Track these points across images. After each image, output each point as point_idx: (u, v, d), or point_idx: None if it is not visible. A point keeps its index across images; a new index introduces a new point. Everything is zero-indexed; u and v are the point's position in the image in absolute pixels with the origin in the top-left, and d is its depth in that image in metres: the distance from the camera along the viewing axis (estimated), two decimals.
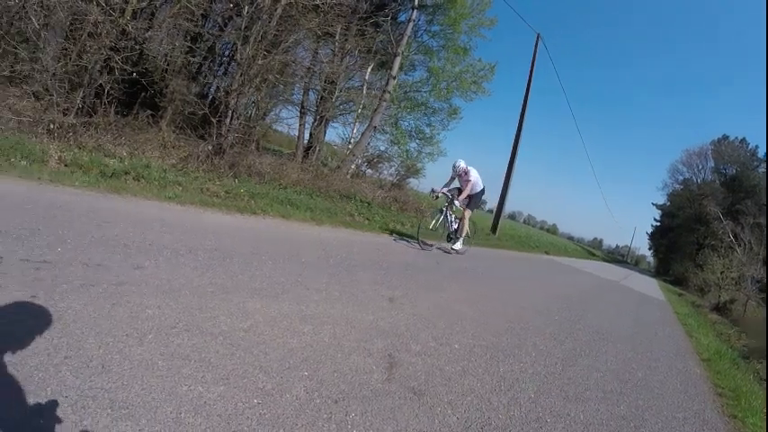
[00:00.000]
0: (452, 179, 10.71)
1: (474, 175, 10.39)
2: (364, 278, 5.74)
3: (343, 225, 9.83)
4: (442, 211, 10.51)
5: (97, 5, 8.13)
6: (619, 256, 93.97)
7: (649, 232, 70.91)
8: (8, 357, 2.14)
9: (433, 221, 10.45)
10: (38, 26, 7.91)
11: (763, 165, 52.47)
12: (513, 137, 22.85)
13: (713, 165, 58.09)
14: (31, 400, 1.94)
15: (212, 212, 7.15)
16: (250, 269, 4.65)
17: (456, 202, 10.46)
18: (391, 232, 11.08)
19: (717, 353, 8.15)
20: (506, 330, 5.26)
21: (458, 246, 10.72)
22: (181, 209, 6.74)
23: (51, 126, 7.42)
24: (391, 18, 16.98)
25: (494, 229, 21.45)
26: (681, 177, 61.89)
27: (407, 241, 10.43)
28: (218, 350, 2.81)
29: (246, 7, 10.61)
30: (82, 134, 7.86)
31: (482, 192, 10.91)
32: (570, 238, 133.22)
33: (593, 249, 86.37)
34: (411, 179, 19.92)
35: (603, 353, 5.64)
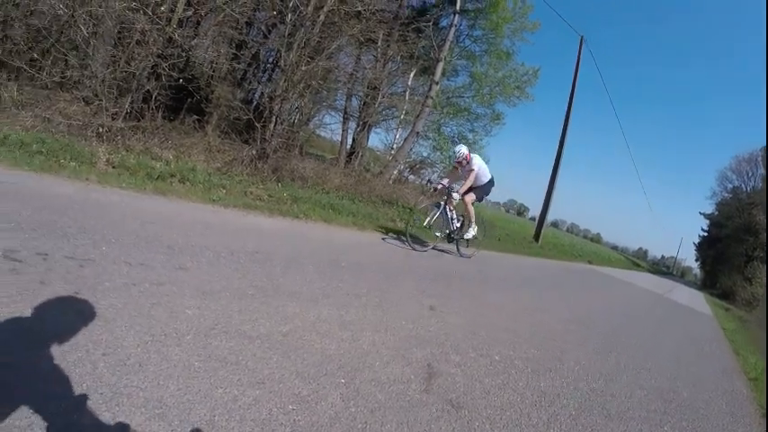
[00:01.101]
0: (455, 169, 9.35)
1: (478, 162, 8.84)
2: (405, 285, 5.63)
3: (385, 231, 9.71)
4: (439, 206, 8.87)
5: (144, 14, 8.35)
6: (664, 268, 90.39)
7: (696, 243, 67.52)
8: (48, 352, 2.17)
9: (428, 218, 8.80)
10: (87, 34, 8.14)
11: None
12: (558, 140, 22.28)
13: (763, 172, 54.96)
14: (68, 395, 1.96)
15: (255, 215, 7.16)
16: (291, 273, 4.60)
17: (454, 195, 8.77)
18: (387, 231, 9.70)
19: (765, 372, 7.68)
20: (548, 343, 5.05)
21: (470, 234, 9.30)
22: (224, 211, 6.77)
23: (100, 129, 7.59)
24: (433, 23, 16.80)
25: (536, 237, 20.93)
26: (730, 185, 58.49)
27: (402, 240, 9.04)
28: (256, 353, 2.77)
29: (290, 15, 10.68)
30: (130, 137, 8.05)
31: (490, 183, 9.29)
32: (614, 248, 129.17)
33: (638, 260, 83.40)
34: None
35: (647, 369, 5.36)
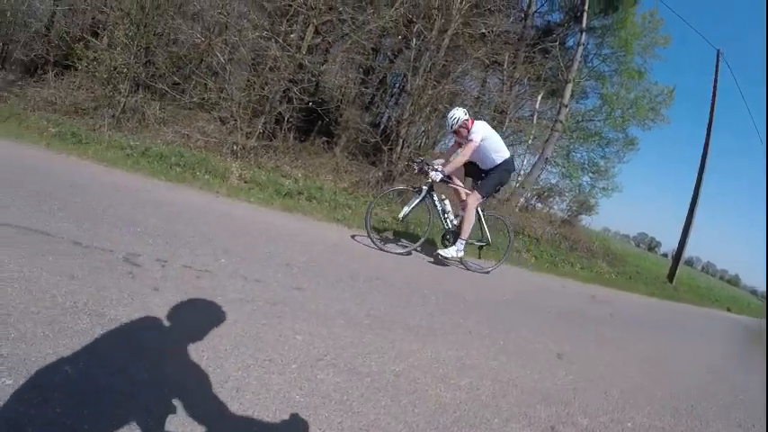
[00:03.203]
0: (456, 144, 6.34)
1: (482, 131, 5.75)
2: (532, 325, 4.75)
3: (510, 262, 8.67)
4: (421, 192, 5.94)
5: (276, 42, 8.57)
6: None
7: None
8: (145, 362, 2.01)
9: (405, 207, 5.96)
10: (223, 61, 8.56)
11: None
12: (698, 167, 19.44)
13: None
14: (155, 410, 1.75)
15: (378, 238, 6.64)
16: (411, 303, 4.06)
17: (433, 174, 5.70)
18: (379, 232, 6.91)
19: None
20: (687, 410, 3.88)
21: (450, 252, 5.94)
22: (348, 231, 6.40)
23: (234, 147, 7.85)
24: (559, 43, 15.60)
25: (670, 277, 17.63)
26: None
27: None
28: (363, 393, 2.38)
29: (414, 40, 10.44)
30: (262, 155, 8.24)
31: (506, 166, 6.03)
32: (753, 293, 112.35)
33: None
34: (583, 216, 17.95)
35: None
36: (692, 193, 18.58)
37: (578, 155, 18.55)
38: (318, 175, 8.81)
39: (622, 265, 14.44)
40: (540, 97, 15.71)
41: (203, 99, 8.81)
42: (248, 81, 8.64)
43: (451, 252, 5.91)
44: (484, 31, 11.48)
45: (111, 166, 5.88)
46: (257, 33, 8.50)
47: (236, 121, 8.10)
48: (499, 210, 11.96)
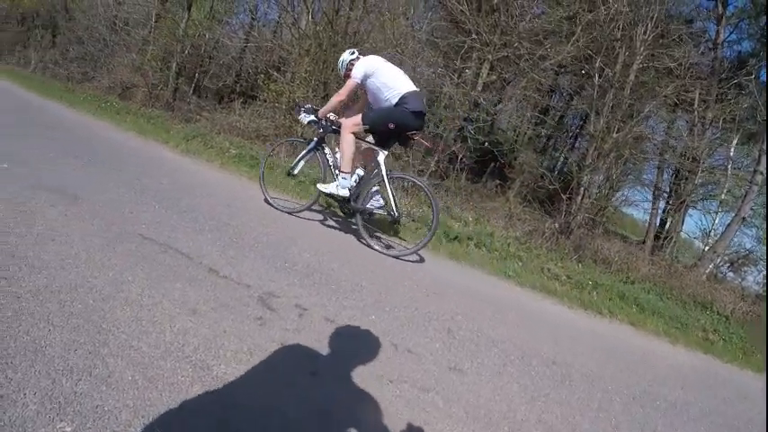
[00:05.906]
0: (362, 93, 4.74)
1: (365, 65, 4.25)
2: None
3: (698, 346, 6.43)
4: (311, 143, 4.73)
5: (450, 80, 8.40)
6: None
7: None
8: None
9: (297, 160, 4.84)
10: None
11: None
12: None
13: None
14: None
15: (552, 302, 5.23)
16: (592, 406, 2.80)
17: (302, 116, 4.64)
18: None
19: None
20: None
21: (329, 188, 4.37)
22: (518, 290, 5.12)
23: (405, 184, 7.24)
24: (755, 77, 12.54)
25: None
26: None
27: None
28: None
29: (596, 76, 9.35)
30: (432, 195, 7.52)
31: (404, 103, 4.16)
32: None
33: None
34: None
35: None
36: None
37: None
38: (489, 220, 7.88)
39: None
40: (734, 143, 12.99)
41: None
42: None
43: (331, 187, 4.40)
44: (671, 64, 9.90)
45: (278, 191, 5.48)
46: (431, 71, 8.40)
47: (408, 157, 7.87)
48: (684, 278, 9.68)
